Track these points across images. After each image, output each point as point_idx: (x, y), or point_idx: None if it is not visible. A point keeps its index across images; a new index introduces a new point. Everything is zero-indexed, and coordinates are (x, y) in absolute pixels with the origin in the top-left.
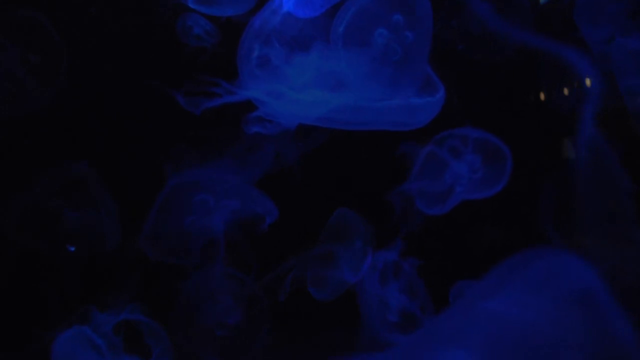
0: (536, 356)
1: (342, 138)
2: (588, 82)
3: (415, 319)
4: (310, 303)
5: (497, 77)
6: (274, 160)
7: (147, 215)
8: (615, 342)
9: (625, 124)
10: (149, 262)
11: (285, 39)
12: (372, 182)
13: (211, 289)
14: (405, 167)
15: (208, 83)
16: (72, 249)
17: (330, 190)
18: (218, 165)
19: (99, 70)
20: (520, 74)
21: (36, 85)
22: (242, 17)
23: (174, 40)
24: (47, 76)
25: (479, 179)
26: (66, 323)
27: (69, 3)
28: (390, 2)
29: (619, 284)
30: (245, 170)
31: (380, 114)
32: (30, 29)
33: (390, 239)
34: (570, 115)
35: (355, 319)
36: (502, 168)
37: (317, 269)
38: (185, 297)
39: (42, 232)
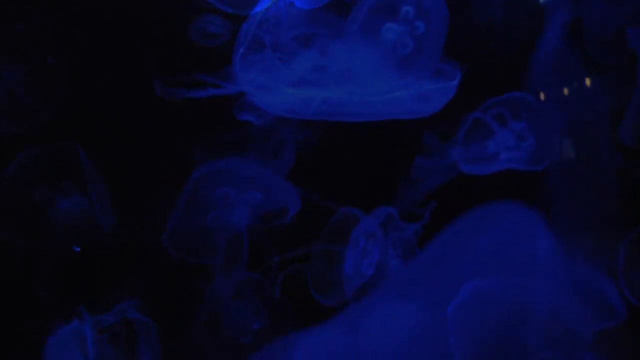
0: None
1: (345, 132)
2: (588, 81)
3: None
4: (309, 302)
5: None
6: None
7: (144, 204)
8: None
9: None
10: (148, 258)
11: (284, 35)
12: (377, 178)
13: (234, 293)
14: (412, 161)
15: (197, 76)
16: (78, 249)
17: (333, 187)
18: (240, 156)
19: (101, 71)
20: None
21: (36, 101)
22: None
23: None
24: (48, 92)
25: (527, 148)
26: (61, 322)
27: (73, 9)
28: None
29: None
30: (267, 161)
31: (390, 105)
32: (30, 44)
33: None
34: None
35: None
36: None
37: (319, 272)
38: (208, 302)
39: (31, 225)
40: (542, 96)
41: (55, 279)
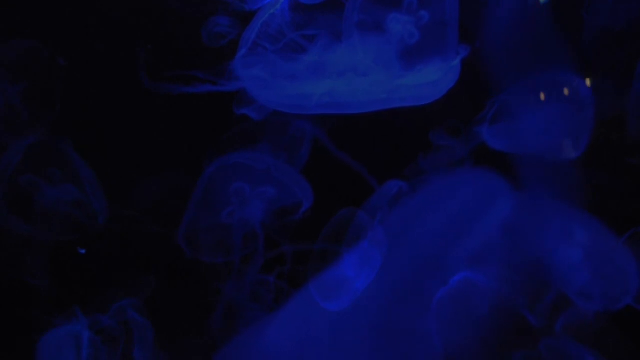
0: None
1: (353, 123)
2: (588, 82)
3: None
4: None
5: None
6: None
7: (145, 201)
8: None
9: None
10: (149, 256)
11: (287, 36)
12: (387, 168)
13: (248, 294)
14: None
15: (200, 74)
16: (83, 251)
17: (343, 180)
18: (252, 151)
19: (97, 70)
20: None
21: (33, 114)
22: None
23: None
24: (45, 105)
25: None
26: (56, 321)
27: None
28: None
29: None
30: (280, 155)
31: (395, 92)
32: (28, 59)
33: None
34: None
35: None
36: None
37: (320, 274)
38: (221, 302)
39: (20, 214)
40: (542, 96)
41: (51, 275)
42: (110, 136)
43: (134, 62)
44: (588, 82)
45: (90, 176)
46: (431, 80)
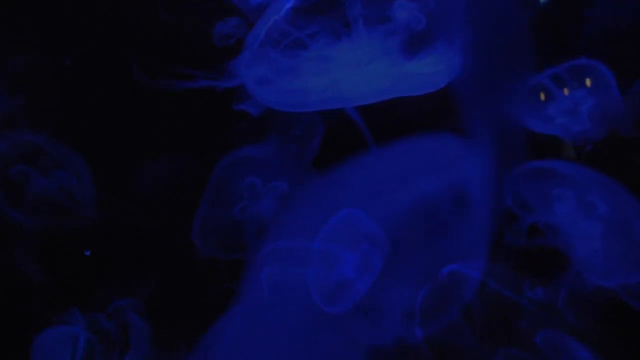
0: None
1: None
2: (588, 82)
3: None
4: None
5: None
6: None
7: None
8: None
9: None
10: (150, 254)
11: (290, 36)
12: None
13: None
14: None
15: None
16: (87, 252)
17: None
18: (262, 145)
19: (102, 69)
20: None
21: (32, 114)
22: None
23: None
24: (43, 117)
25: (585, 118)
26: (52, 321)
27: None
28: None
29: None
30: (290, 149)
31: (400, 82)
32: (28, 62)
33: None
34: None
35: None
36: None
37: (320, 276)
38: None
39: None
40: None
41: (49, 273)
42: (111, 134)
43: (135, 60)
44: (589, 81)
45: (81, 166)
46: (436, 67)
